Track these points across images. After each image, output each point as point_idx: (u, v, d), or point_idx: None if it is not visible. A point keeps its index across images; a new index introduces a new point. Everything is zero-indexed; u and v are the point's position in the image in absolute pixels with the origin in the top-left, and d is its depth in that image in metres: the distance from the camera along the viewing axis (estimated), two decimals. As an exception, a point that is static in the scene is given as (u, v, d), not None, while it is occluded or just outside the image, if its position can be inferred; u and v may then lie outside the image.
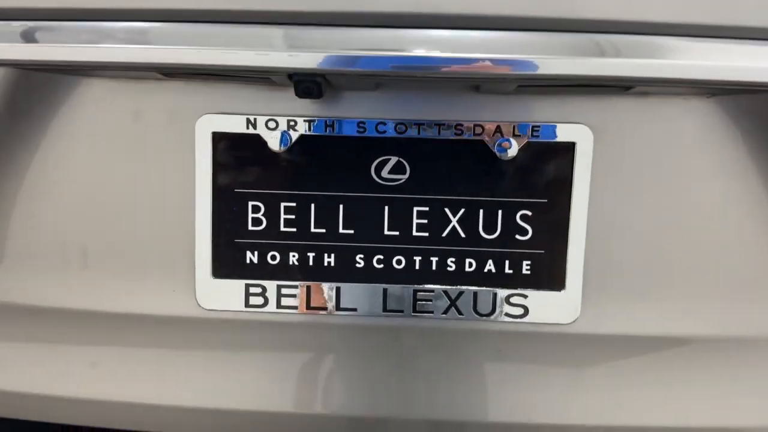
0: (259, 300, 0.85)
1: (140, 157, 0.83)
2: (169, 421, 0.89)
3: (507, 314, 0.84)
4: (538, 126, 0.80)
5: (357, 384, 0.87)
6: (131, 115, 0.82)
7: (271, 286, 0.85)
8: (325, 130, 0.81)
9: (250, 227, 0.84)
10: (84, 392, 0.89)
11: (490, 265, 0.84)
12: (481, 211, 0.82)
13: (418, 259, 0.84)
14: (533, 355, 0.85)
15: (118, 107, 0.82)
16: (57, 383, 0.89)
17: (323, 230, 0.84)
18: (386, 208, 0.83)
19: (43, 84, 0.82)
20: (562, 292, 0.83)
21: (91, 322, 0.88)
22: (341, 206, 0.83)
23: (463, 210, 0.83)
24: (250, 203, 0.83)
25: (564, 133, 0.80)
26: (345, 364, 0.86)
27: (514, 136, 0.80)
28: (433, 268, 0.84)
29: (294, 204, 0.83)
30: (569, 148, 0.81)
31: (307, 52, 0.72)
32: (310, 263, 0.84)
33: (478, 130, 0.80)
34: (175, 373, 0.88)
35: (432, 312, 0.85)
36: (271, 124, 0.81)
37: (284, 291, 0.85)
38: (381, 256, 0.84)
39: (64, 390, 0.89)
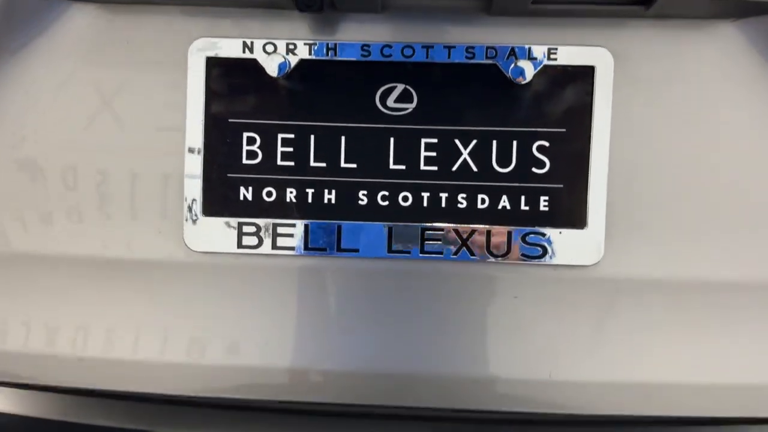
0: (253, 240, 0.78)
1: (128, 85, 0.77)
2: (152, 378, 0.80)
3: (523, 255, 0.77)
4: (555, 49, 0.75)
5: (359, 334, 0.78)
6: (122, 41, 0.77)
7: (266, 224, 0.78)
8: (327, 54, 0.76)
9: (244, 161, 0.78)
10: (60, 350, 0.81)
11: (504, 201, 0.77)
12: (495, 142, 0.76)
13: (426, 195, 0.77)
14: (553, 301, 0.77)
15: (108, 32, 0.77)
16: (30, 339, 0.81)
17: (323, 164, 0.77)
18: (392, 139, 0.77)
19: (32, 9, 0.77)
20: (584, 230, 0.76)
21: (66, 268, 0.80)
22: (343, 138, 0.77)
23: (474, 141, 0.76)
24: (245, 134, 0.77)
25: (582, 57, 0.75)
26: (346, 310, 0.78)
27: (530, 59, 0.75)
28: (443, 205, 0.77)
29: (292, 135, 0.77)
30: (588, 72, 0.75)
31: (308, -44, 0.68)
32: (309, 200, 0.78)
33: (491, 53, 0.75)
34: (159, 325, 0.80)
35: (441, 253, 0.77)
36: (269, 48, 0.76)
37: (280, 230, 0.78)
38: (386, 193, 0.77)
39: (36, 347, 0.81)
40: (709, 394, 0.78)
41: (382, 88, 0.76)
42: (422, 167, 0.77)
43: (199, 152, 0.77)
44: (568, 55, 0.75)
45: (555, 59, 0.75)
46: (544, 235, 0.77)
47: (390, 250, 0.77)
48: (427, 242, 0.77)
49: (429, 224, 0.77)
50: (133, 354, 0.80)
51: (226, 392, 0.80)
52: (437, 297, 0.78)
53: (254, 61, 0.76)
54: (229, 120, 0.77)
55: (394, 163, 0.77)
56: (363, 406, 0.79)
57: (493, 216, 0.77)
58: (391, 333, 0.78)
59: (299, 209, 0.78)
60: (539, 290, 0.78)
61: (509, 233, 0.77)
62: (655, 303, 0.77)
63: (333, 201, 0.78)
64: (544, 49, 0.75)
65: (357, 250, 0.78)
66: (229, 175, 0.78)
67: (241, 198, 0.78)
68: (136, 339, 0.80)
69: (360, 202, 0.77)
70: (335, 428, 0.82)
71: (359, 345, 0.79)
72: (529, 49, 0.75)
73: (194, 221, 0.78)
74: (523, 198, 0.77)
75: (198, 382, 0.80)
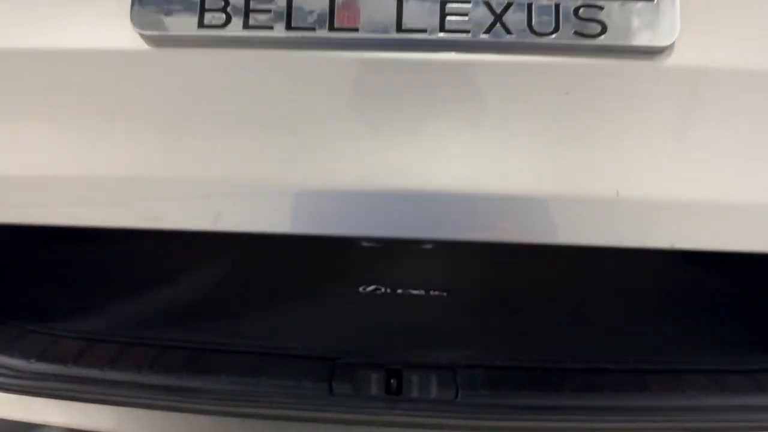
0: (219, 17, 0.59)
1: None
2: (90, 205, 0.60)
3: (576, 33, 0.58)
4: None
5: (361, 144, 0.59)
6: None
7: (236, -3, 0.59)
8: None
9: None
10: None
11: (549, -32, 0.59)
12: None
13: (446, -38, 0.59)
14: (615, 96, 0.59)
15: None
16: None
17: (313, -77, 0.60)
18: None
19: None
20: (654, 1, 0.59)
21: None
22: None
23: None
24: None
25: None
26: (341, 113, 0.59)
27: None
28: (469, -27, 0.59)
29: None
30: None
31: None
32: (294, -32, 0.60)
33: None
34: (102, 132, 0.60)
35: (468, 31, 0.59)
36: None
37: (254, 4, 0.59)
38: (394, -41, 0.60)
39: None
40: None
41: None
42: (441, -73, 0.60)
43: None
44: None
45: None
46: (601, 7, 0.59)
47: (400, 28, 0.59)
48: (449, 17, 0.59)
49: (452, -5, 0.59)
50: (73, 169, 0.60)
51: (175, 222, 0.59)
52: (463, 92, 0.59)
53: None
54: None
55: (405, -77, 0.60)
56: (371, 239, 0.58)
57: (535, -15, 0.59)
58: (403, 143, 0.59)
59: (281, -21, 0.60)
60: (597, 82, 0.59)
61: (557, 5, 0.59)
62: (747, 100, 0.59)
63: (325, -31, 0.60)
64: None
65: (356, 29, 0.59)
66: (190, -64, 0.60)
67: (206, -34, 0.60)
68: (85, 149, 0.60)
69: (361, -30, 0.60)
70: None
71: (363, 161, 0.59)
72: None
73: (143, -5, 0.59)
74: (573, -38, 0.59)
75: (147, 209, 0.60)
